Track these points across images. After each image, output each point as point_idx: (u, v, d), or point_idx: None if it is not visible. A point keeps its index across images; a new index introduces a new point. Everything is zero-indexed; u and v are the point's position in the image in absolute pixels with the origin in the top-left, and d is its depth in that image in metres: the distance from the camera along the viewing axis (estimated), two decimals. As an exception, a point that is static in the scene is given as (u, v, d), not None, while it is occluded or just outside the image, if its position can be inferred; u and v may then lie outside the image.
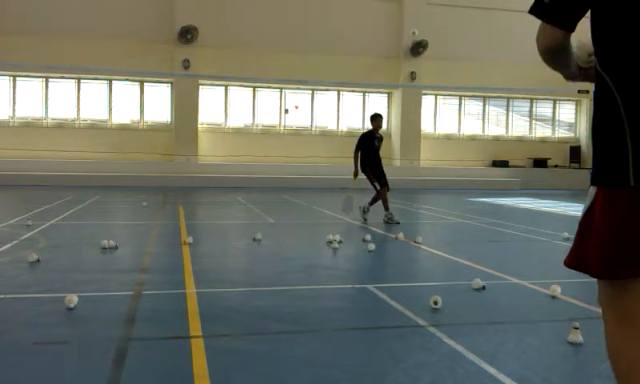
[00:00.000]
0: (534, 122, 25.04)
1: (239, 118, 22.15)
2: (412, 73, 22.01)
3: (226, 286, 5.29)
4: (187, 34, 19.91)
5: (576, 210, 13.78)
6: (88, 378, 3.06)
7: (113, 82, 20.98)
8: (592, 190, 1.95)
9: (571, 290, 5.09)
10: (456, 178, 22.11)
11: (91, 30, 19.72)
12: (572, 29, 1.97)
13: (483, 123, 24.49)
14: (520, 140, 24.73)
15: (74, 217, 10.30)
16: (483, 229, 9.98)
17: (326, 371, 3.20)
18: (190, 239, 7.38)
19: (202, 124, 21.33)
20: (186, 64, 20.15)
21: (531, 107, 24.94)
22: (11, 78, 20.35)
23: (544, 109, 25.12)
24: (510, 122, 24.81)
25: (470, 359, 3.39)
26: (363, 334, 3.96)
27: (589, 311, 4.55)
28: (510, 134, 24.79)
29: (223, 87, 21.84)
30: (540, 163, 23.98)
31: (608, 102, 1.87)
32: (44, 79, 20.51)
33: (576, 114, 25.33)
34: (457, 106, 24.19)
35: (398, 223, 9.96)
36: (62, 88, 20.75)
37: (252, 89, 22.10)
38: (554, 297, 4.93)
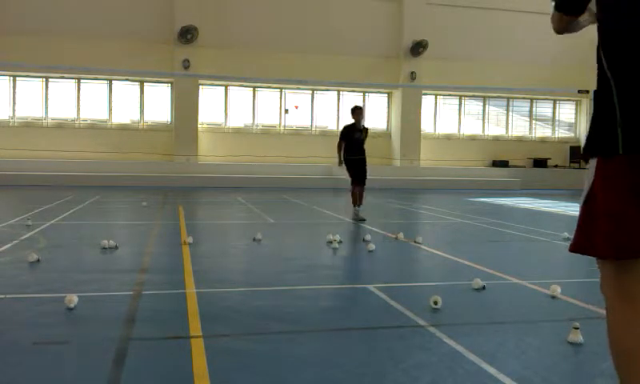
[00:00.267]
0: (534, 121, 25.04)
1: (239, 118, 22.15)
2: (412, 73, 22.02)
3: (226, 285, 5.29)
4: (187, 34, 19.91)
5: (576, 210, 13.77)
6: (88, 378, 3.06)
7: (113, 81, 20.98)
8: (590, 169, 2.03)
9: (571, 290, 5.09)
10: (456, 177, 22.11)
11: (91, 30, 19.72)
12: (579, 14, 2.28)
13: (483, 123, 24.49)
14: (520, 140, 24.73)
15: (73, 217, 10.31)
16: (483, 229, 9.98)
17: (326, 371, 3.20)
18: (189, 239, 7.38)
19: (202, 124, 21.33)
20: (186, 64, 20.15)
21: (531, 107, 24.94)
22: (11, 78, 20.35)
23: (544, 109, 25.12)
24: (509, 121, 24.81)
25: (469, 359, 3.39)
26: (363, 334, 3.95)
27: (589, 311, 4.56)
28: (509, 133, 24.79)
29: (223, 87, 21.84)
30: (540, 163, 23.98)
31: (602, 78, 2.03)
32: (44, 79, 20.51)
33: (576, 114, 25.33)
34: (457, 106, 24.19)
35: (364, 220, 10.10)
36: (62, 88, 20.75)
37: (252, 89, 22.10)
38: (553, 297, 4.93)
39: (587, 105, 24.22)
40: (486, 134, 24.51)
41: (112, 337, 3.67)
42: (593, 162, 2.02)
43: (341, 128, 11.22)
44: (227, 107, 21.94)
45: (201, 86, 21.30)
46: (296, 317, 4.34)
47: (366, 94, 23.10)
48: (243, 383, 3.03)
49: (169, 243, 7.70)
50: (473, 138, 24.26)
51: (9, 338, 3.64)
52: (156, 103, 21.44)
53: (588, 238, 2.02)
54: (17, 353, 3.40)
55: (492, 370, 3.22)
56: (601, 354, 3.51)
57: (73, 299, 4.30)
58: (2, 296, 4.62)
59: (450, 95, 23.97)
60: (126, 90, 21.26)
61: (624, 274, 1.99)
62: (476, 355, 3.43)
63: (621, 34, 1.95)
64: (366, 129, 10.86)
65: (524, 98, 24.72)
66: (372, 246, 7.16)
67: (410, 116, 22.28)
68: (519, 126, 24.95)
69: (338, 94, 22.74)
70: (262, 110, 22.28)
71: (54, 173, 18.53)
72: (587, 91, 22.35)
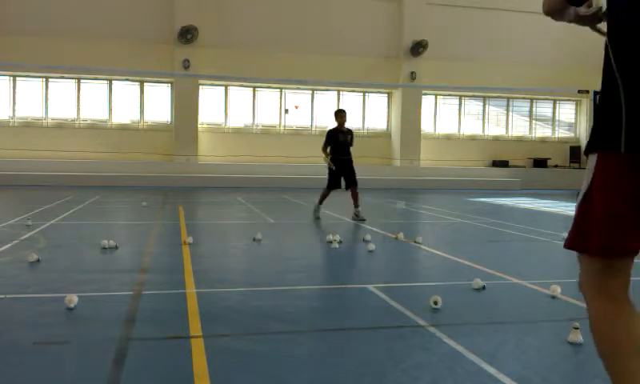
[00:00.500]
0: (534, 121, 25.04)
1: (239, 118, 22.15)
2: (412, 73, 22.02)
3: (226, 285, 5.29)
4: (187, 34, 19.91)
5: (576, 209, 13.77)
6: (88, 378, 3.06)
7: (113, 81, 20.98)
8: (590, 165, 2.03)
9: (571, 290, 5.09)
10: (456, 177, 22.12)
11: (91, 30, 19.72)
12: (579, 4, 2.21)
13: (483, 123, 24.49)
14: (520, 140, 24.73)
15: (73, 217, 10.31)
16: (483, 229, 9.98)
17: (326, 371, 3.20)
18: (190, 239, 7.38)
19: (202, 124, 21.33)
20: (186, 64, 20.15)
21: (531, 107, 24.95)
22: (11, 78, 20.35)
23: (544, 109, 25.12)
24: (510, 121, 24.81)
25: (469, 359, 3.39)
26: (363, 334, 3.95)
27: (589, 311, 4.55)
28: (509, 133, 24.79)
29: (223, 87, 21.84)
30: (540, 163, 23.98)
31: (609, 76, 1.99)
32: (44, 79, 20.52)
33: (576, 114, 25.33)
34: (457, 106, 24.19)
35: (318, 218, 10.38)
36: (62, 88, 20.75)
37: (252, 89, 22.10)
38: (554, 297, 4.94)
39: (587, 105, 24.20)
40: (485, 133, 24.51)
41: (112, 337, 3.67)
42: (593, 159, 2.01)
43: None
44: (227, 107, 21.95)
45: (201, 86, 21.30)
46: (296, 317, 4.34)
47: (366, 94, 23.10)
48: (243, 383, 3.03)
49: (169, 243, 7.70)
50: (473, 138, 24.26)
51: (9, 338, 3.64)
52: (156, 103, 21.44)
53: (582, 234, 2.04)
54: (17, 353, 3.40)
55: (492, 370, 3.22)
56: (601, 354, 3.51)
57: (73, 299, 4.30)
58: (2, 296, 4.62)
59: (450, 95, 23.97)
60: (126, 89, 21.26)
61: (608, 273, 2.01)
62: (476, 355, 3.43)
63: (632, 30, 1.91)
64: (351, 131, 10.90)
65: (524, 98, 24.72)
66: (372, 246, 7.16)
67: (410, 116, 22.28)
68: (519, 126, 24.95)
69: (338, 94, 22.74)
70: (262, 109, 22.28)
71: (54, 173, 18.53)
72: (587, 91, 22.33)
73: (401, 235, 8.29)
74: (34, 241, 7.35)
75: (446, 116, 24.14)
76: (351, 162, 10.62)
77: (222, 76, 19.89)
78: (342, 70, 21.21)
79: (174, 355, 3.42)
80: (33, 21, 19.30)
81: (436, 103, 23.89)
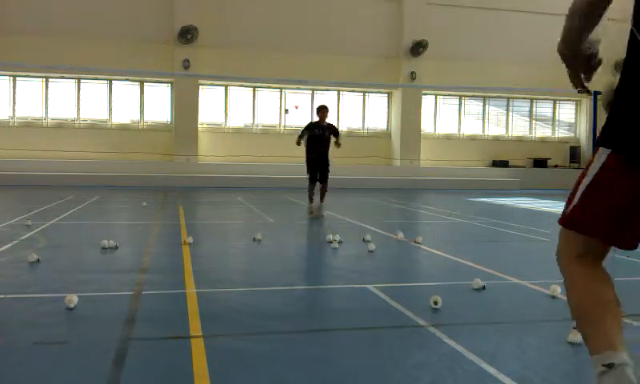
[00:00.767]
0: (534, 121, 25.04)
1: (239, 118, 22.14)
2: (412, 73, 22.01)
3: (226, 286, 5.29)
4: (187, 34, 19.91)
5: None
6: (88, 378, 3.06)
7: (113, 81, 20.98)
8: (601, 157, 2.05)
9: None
10: (456, 177, 22.12)
11: (91, 30, 19.71)
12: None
13: (483, 123, 24.49)
14: (520, 140, 24.73)
15: (74, 217, 10.31)
16: (483, 229, 9.98)
17: (326, 371, 3.20)
18: (190, 239, 7.38)
19: (202, 124, 21.33)
20: (186, 64, 20.15)
21: (531, 107, 24.94)
22: (11, 78, 20.35)
23: (544, 109, 25.12)
24: (510, 121, 24.81)
25: (469, 359, 3.39)
26: (363, 333, 3.95)
27: (589, 311, 4.55)
28: (509, 133, 24.79)
29: (223, 87, 21.84)
30: (540, 163, 23.97)
31: (632, 78, 1.99)
32: (44, 79, 20.51)
33: (576, 114, 25.33)
34: (457, 106, 24.19)
35: (312, 213, 10.66)
36: (62, 88, 20.75)
37: (252, 89, 22.10)
38: (554, 297, 4.93)
39: (587, 105, 24.19)
40: (485, 133, 24.50)
41: (112, 337, 3.67)
42: (605, 153, 2.03)
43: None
44: (227, 107, 21.94)
45: (201, 86, 21.30)
46: (296, 317, 4.34)
47: (366, 94, 23.10)
48: (243, 383, 3.03)
49: (169, 243, 7.70)
50: (473, 138, 24.25)
51: (9, 338, 3.64)
52: (156, 103, 21.43)
53: (582, 216, 2.11)
54: (17, 353, 3.40)
55: (492, 370, 3.22)
56: (601, 354, 3.51)
57: (73, 299, 4.29)
58: (2, 296, 4.62)
59: (450, 95, 23.97)
60: (126, 89, 21.25)
61: (593, 250, 2.13)
62: (476, 355, 3.43)
63: None
64: (333, 127, 11.16)
65: (524, 98, 24.72)
66: (372, 246, 7.16)
67: (410, 116, 22.28)
68: (519, 126, 24.95)
69: (338, 94, 22.74)
70: (261, 110, 22.28)
71: (54, 173, 18.52)
72: (587, 91, 22.17)
73: (401, 235, 8.29)
74: (34, 241, 7.35)
75: (446, 116, 24.13)
76: (325, 159, 10.96)
77: (222, 76, 19.88)
78: (342, 70, 21.20)
79: (173, 355, 3.42)
80: (33, 21, 19.29)
81: (436, 103, 23.89)
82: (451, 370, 3.22)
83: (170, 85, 21.30)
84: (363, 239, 7.82)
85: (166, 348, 3.56)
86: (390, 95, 23.32)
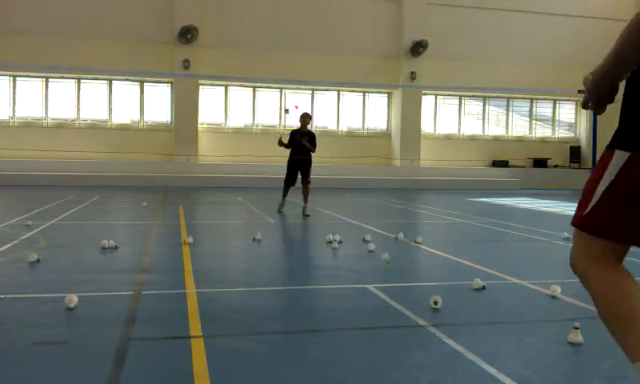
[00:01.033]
0: (533, 121, 25.05)
1: (239, 118, 22.15)
2: (412, 73, 22.01)
3: (226, 286, 5.29)
4: (187, 34, 19.91)
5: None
6: (88, 378, 3.06)
7: (113, 81, 20.99)
8: (620, 156, 2.03)
9: (571, 290, 5.09)
10: (456, 177, 22.12)
11: (91, 30, 19.72)
12: None
13: (483, 123, 24.49)
14: (520, 140, 24.74)
15: (74, 217, 10.31)
16: (483, 229, 9.98)
17: (326, 371, 3.20)
18: (190, 239, 7.38)
19: (202, 124, 21.33)
20: (186, 64, 20.15)
21: (531, 107, 24.95)
22: (11, 78, 20.36)
23: (544, 109, 25.12)
24: (510, 121, 24.82)
25: (469, 359, 3.39)
26: (363, 334, 3.95)
27: (589, 311, 4.55)
28: (509, 133, 24.80)
29: (223, 87, 21.84)
30: (540, 163, 23.98)
31: None
32: (44, 79, 20.52)
33: (576, 114, 25.34)
34: (457, 106, 24.20)
35: (308, 216, 10.93)
36: (62, 88, 20.76)
37: (252, 89, 22.10)
38: (554, 297, 4.93)
39: (587, 105, 24.18)
40: (486, 133, 24.51)
41: (112, 337, 3.67)
42: (622, 156, 2.02)
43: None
44: (227, 107, 21.95)
45: (201, 86, 21.30)
46: (296, 317, 4.34)
47: (366, 94, 23.10)
48: (243, 383, 3.03)
49: (169, 243, 7.70)
50: (473, 138, 24.26)
51: (9, 338, 3.64)
52: (156, 103, 21.44)
53: (599, 219, 2.09)
54: (17, 353, 3.40)
55: (492, 370, 3.22)
56: (601, 354, 3.52)
57: (73, 299, 4.29)
58: (2, 296, 4.62)
59: (450, 95, 23.97)
60: (126, 89, 21.26)
61: (613, 251, 2.11)
62: (476, 355, 3.43)
63: None
64: (311, 133, 11.65)
65: (524, 98, 24.73)
66: (372, 246, 7.16)
67: (410, 116, 22.29)
68: (519, 126, 24.95)
69: (338, 94, 22.74)
70: (261, 110, 22.28)
71: (54, 173, 18.53)
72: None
73: (401, 235, 8.29)
74: (34, 241, 7.35)
75: (446, 116, 24.14)
76: (308, 162, 11.44)
77: (222, 76, 19.89)
78: (342, 70, 21.21)
79: (173, 355, 3.42)
80: (33, 21, 19.30)
81: (436, 103, 23.90)
82: (451, 370, 3.22)
83: (169, 85, 21.30)
84: (363, 239, 7.82)
85: (166, 348, 3.56)
86: (389, 95, 23.33)
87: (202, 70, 20.11)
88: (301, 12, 21.36)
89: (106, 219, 10.72)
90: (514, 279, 5.68)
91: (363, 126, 22.95)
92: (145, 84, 21.24)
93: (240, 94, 22.10)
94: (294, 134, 11.50)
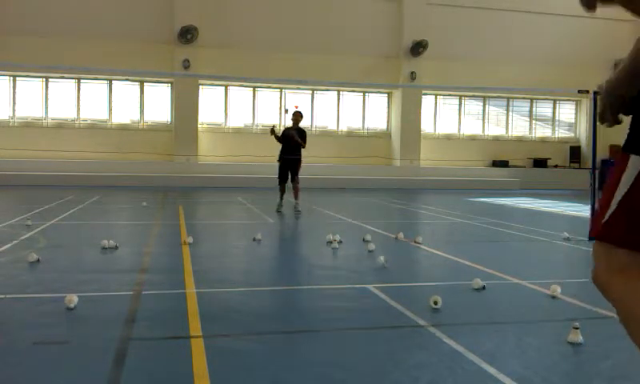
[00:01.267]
0: (534, 121, 25.04)
1: (239, 118, 22.14)
2: (412, 73, 22.01)
3: (226, 286, 5.29)
4: (187, 34, 19.91)
5: (576, 209, 13.78)
6: (88, 378, 3.06)
7: (113, 81, 20.98)
8: (637, 160, 1.96)
9: (571, 290, 5.09)
10: (456, 177, 22.12)
11: (91, 30, 19.71)
12: None
13: (483, 123, 24.49)
14: (520, 140, 24.73)
15: (74, 217, 10.30)
16: (483, 229, 9.98)
17: (326, 371, 3.20)
18: (190, 239, 7.38)
19: (202, 124, 21.33)
20: (186, 64, 20.15)
21: (531, 107, 24.94)
22: (11, 78, 20.35)
23: (544, 109, 25.12)
24: (510, 121, 24.81)
25: (469, 359, 3.39)
26: (363, 334, 3.96)
27: (589, 311, 4.55)
28: (510, 133, 24.79)
29: (223, 87, 21.84)
30: (540, 163, 23.98)
31: None
32: (44, 79, 20.51)
33: (576, 113, 25.33)
34: (457, 106, 24.19)
35: (300, 212, 11.23)
36: (62, 88, 20.75)
37: (252, 89, 22.10)
38: (554, 297, 4.94)
39: (587, 105, 24.18)
40: (486, 133, 24.51)
41: (112, 337, 3.67)
42: (638, 160, 1.96)
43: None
44: (227, 107, 21.94)
45: (201, 86, 21.30)
46: (296, 317, 4.34)
47: (366, 94, 23.10)
48: (243, 383, 3.03)
49: (169, 243, 7.70)
50: (473, 138, 24.25)
51: (9, 338, 3.64)
52: (156, 103, 21.43)
53: (623, 226, 2.02)
54: (17, 353, 3.40)
55: (492, 370, 3.22)
56: (601, 354, 3.52)
57: (73, 299, 4.30)
58: (2, 296, 4.62)
59: (450, 95, 23.97)
60: (126, 89, 21.25)
61: (635, 262, 2.02)
62: (476, 355, 3.43)
63: None
64: (301, 130, 12.29)
65: (524, 98, 24.72)
66: (372, 246, 7.16)
67: (410, 116, 22.28)
68: (519, 126, 24.95)
69: (338, 94, 22.74)
70: (261, 110, 22.28)
71: (54, 173, 18.52)
72: (587, 91, 22.20)
73: (401, 235, 8.29)
74: (34, 241, 7.35)
75: (446, 116, 24.13)
76: (297, 161, 12.01)
77: (222, 76, 19.86)
78: (342, 70, 21.20)
79: (173, 355, 3.42)
80: (33, 21, 19.29)
81: (436, 103, 23.89)
82: (451, 370, 3.22)
83: (169, 85, 21.30)
84: (363, 239, 7.82)
85: (165, 348, 3.56)
86: (389, 95, 23.32)
87: (201, 70, 20.10)
88: (301, 12, 21.36)
89: (106, 219, 10.72)
90: (513, 279, 5.68)
91: (363, 126, 22.95)
92: (145, 84, 21.24)
93: (240, 93, 22.09)
94: (287, 130, 12.04)
